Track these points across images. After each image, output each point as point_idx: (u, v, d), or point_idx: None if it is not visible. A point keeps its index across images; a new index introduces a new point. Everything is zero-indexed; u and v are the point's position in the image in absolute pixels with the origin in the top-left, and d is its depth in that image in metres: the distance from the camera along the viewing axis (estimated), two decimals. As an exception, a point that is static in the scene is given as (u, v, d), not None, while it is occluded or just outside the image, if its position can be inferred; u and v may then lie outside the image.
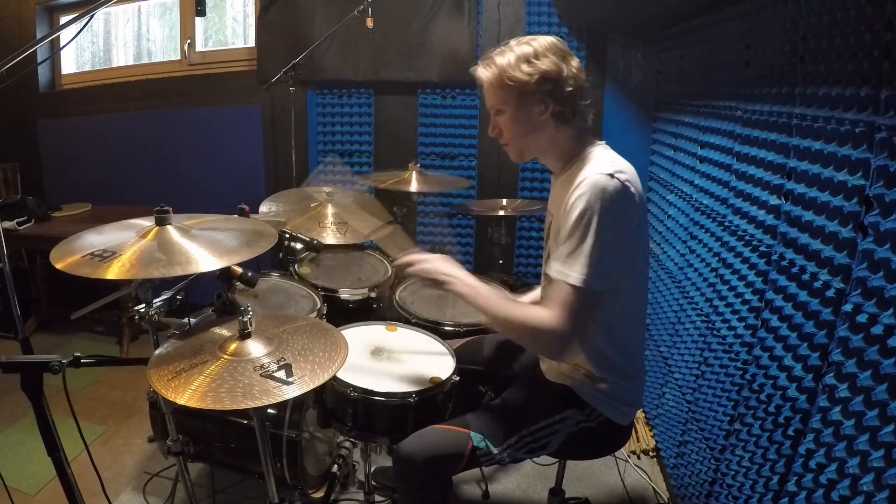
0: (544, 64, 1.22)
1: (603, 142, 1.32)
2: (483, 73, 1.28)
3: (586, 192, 1.14)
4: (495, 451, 1.33)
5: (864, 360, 0.96)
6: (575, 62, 1.26)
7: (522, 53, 1.23)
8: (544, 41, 1.24)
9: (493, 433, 1.34)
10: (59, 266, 1.25)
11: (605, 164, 1.19)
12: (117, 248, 1.31)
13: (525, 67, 1.22)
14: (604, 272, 1.16)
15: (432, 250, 1.43)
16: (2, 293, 1.85)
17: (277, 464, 1.67)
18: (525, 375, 1.54)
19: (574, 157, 1.30)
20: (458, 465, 1.33)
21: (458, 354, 1.60)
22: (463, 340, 1.68)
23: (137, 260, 1.28)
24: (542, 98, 1.24)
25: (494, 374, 1.61)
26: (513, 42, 1.26)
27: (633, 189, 1.18)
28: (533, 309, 1.26)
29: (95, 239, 1.37)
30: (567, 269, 1.17)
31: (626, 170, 1.20)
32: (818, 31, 1.16)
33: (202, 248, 1.35)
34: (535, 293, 1.60)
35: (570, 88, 1.23)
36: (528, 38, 1.26)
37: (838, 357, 1.02)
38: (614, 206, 1.14)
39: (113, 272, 1.23)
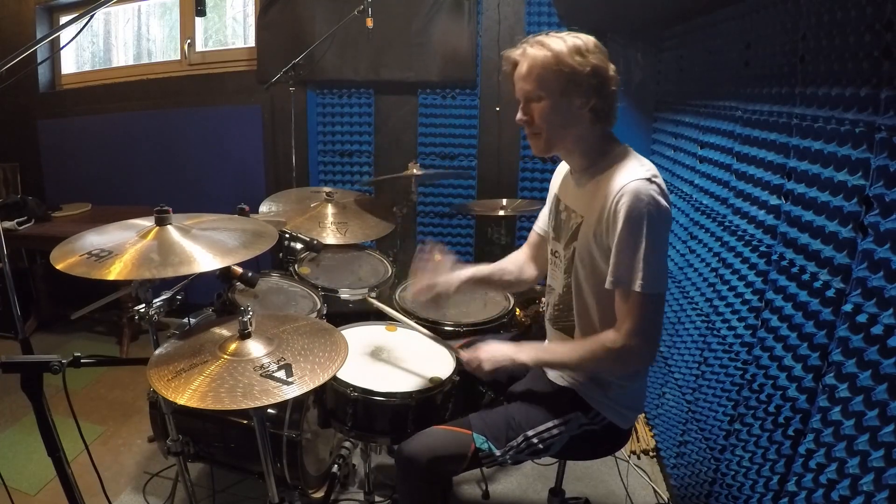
0: (595, 58, 1.22)
1: (625, 145, 1.33)
2: (535, 53, 1.23)
3: (632, 200, 1.16)
4: (497, 452, 1.33)
5: (864, 360, 0.96)
6: (613, 65, 1.26)
7: (574, 44, 1.22)
8: (589, 39, 1.24)
9: (496, 435, 1.34)
10: (59, 267, 1.26)
11: (640, 170, 1.21)
12: (118, 248, 1.31)
13: (578, 57, 1.21)
14: (661, 273, 1.17)
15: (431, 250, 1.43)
16: (2, 293, 1.85)
17: (277, 464, 1.66)
18: (528, 376, 1.54)
19: (600, 158, 1.30)
20: (460, 466, 1.33)
21: (458, 355, 1.60)
22: (463, 341, 1.68)
23: (139, 260, 1.28)
24: (587, 91, 1.23)
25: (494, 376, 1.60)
26: (553, 33, 1.25)
27: (666, 191, 1.21)
28: (604, 334, 1.24)
29: (96, 239, 1.38)
30: (628, 278, 1.17)
31: (657, 173, 1.23)
32: (818, 31, 1.16)
33: (202, 248, 1.35)
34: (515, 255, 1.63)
35: (613, 87, 1.25)
36: (565, 33, 1.25)
37: (838, 357, 1.02)
38: (658, 209, 1.16)
39: (113, 273, 1.23)
